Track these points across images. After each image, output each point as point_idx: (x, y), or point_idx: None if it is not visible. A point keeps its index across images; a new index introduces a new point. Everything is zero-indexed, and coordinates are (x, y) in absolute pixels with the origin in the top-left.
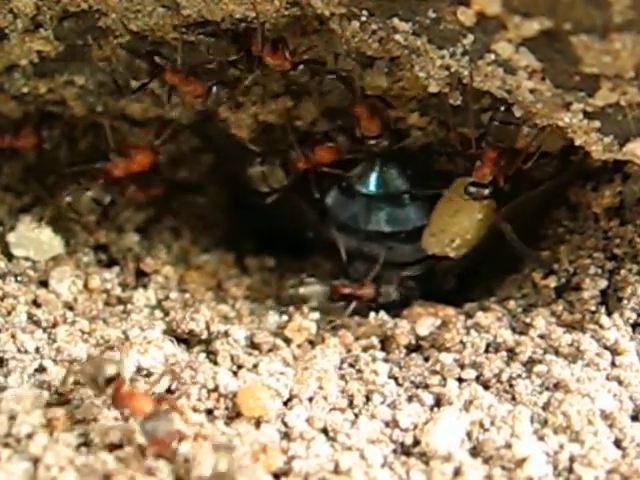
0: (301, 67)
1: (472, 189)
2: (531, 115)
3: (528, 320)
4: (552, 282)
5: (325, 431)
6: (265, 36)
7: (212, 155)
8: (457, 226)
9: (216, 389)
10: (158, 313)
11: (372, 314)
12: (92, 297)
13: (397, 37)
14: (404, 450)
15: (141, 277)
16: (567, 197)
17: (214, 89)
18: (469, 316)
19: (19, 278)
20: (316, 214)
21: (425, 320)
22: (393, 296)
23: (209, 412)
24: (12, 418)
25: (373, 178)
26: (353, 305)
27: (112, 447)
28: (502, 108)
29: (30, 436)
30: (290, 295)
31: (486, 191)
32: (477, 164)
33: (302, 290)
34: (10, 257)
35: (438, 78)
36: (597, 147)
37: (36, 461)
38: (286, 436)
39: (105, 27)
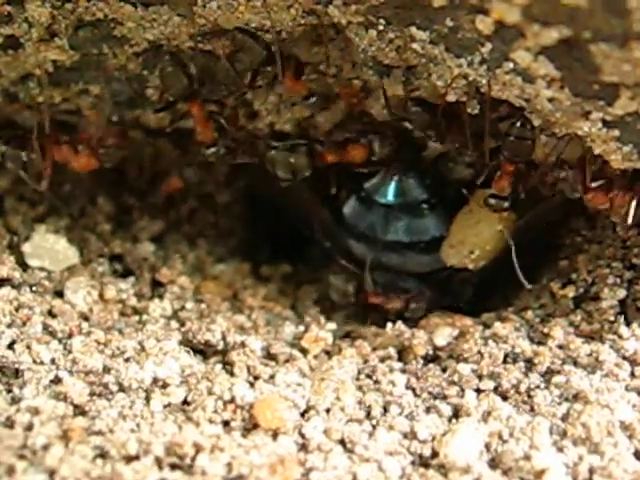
0: (313, 99)
1: (492, 201)
2: (550, 124)
3: (546, 330)
4: (570, 292)
5: (343, 442)
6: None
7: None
8: (477, 237)
9: (232, 400)
10: (174, 324)
11: (389, 324)
12: (107, 307)
13: (414, 46)
14: (422, 462)
15: (157, 287)
16: (585, 206)
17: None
18: (487, 326)
19: (34, 288)
20: (331, 217)
21: (442, 330)
22: (420, 314)
23: (225, 424)
24: (28, 429)
25: (391, 188)
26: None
27: (129, 459)
28: (518, 123)
29: (46, 448)
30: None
31: (506, 203)
32: (496, 176)
33: (332, 279)
34: (25, 267)
35: (456, 87)
36: (616, 156)
37: (52, 473)
38: (303, 448)
39: (120, 36)
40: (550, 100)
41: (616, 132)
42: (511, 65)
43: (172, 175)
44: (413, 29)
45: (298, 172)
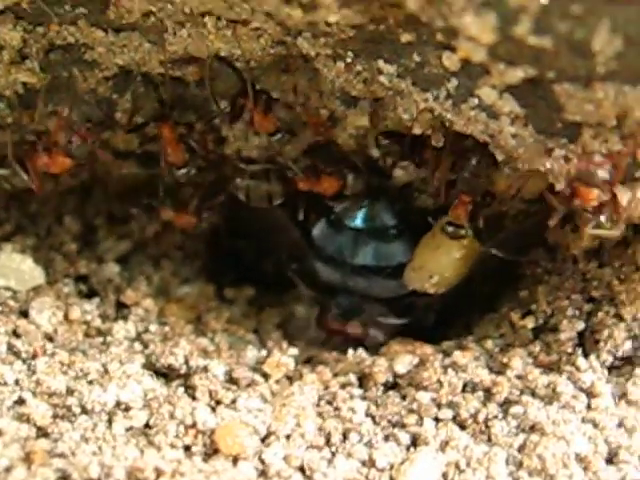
0: (279, 135)
1: (449, 228)
2: (513, 159)
3: (505, 360)
4: (530, 322)
5: (302, 469)
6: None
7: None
8: (436, 263)
9: (194, 425)
10: (137, 346)
11: (350, 351)
12: (72, 328)
13: (382, 79)
14: None
15: (121, 309)
16: (545, 238)
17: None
18: (447, 355)
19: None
20: (300, 235)
21: (403, 358)
22: (380, 339)
23: (187, 448)
24: None
25: (361, 212)
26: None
27: None
28: (473, 161)
29: (8, 470)
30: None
31: (462, 231)
32: (453, 205)
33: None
34: None
35: (421, 120)
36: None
37: None
38: (263, 474)
39: (91, 60)
40: (514, 136)
41: None
42: (476, 101)
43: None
44: (381, 62)
45: (272, 199)
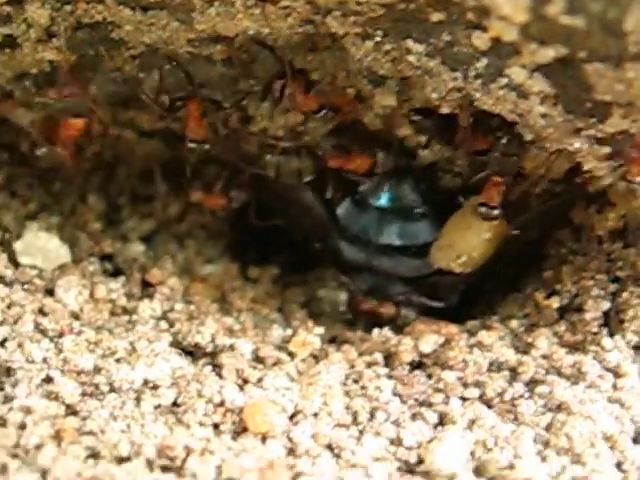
0: (323, 113)
1: (482, 209)
2: (541, 139)
3: (530, 340)
4: (555, 302)
5: (330, 447)
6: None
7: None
8: (465, 243)
9: (222, 404)
10: (164, 325)
11: (376, 330)
12: (98, 307)
13: (410, 58)
14: (408, 468)
15: (146, 287)
16: (571, 219)
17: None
18: (472, 334)
19: (26, 286)
20: (325, 214)
21: (428, 337)
22: (411, 319)
23: (215, 427)
24: (21, 429)
25: (386, 192)
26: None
27: (120, 460)
28: (503, 140)
29: (39, 447)
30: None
31: (495, 212)
32: (485, 186)
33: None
34: (17, 265)
35: (450, 100)
36: (605, 172)
37: (44, 473)
38: (291, 452)
39: (118, 39)
40: (543, 116)
41: (607, 149)
42: (506, 80)
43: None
44: (410, 42)
45: (302, 176)
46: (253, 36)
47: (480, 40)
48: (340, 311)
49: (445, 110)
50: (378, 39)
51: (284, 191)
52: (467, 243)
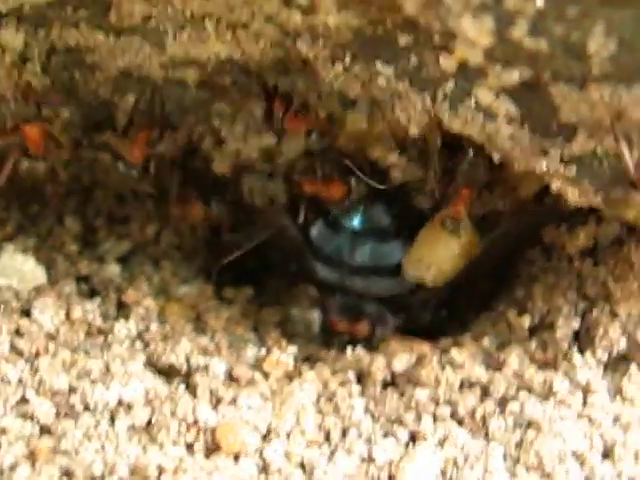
0: (314, 135)
1: (449, 224)
2: (509, 160)
3: (502, 358)
4: (526, 321)
5: (302, 466)
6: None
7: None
8: (435, 256)
9: (195, 423)
10: (139, 345)
11: (349, 349)
12: (74, 328)
13: (379, 80)
14: None
15: (122, 308)
16: (541, 237)
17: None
18: (444, 352)
19: (2, 307)
20: (299, 234)
21: (401, 356)
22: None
23: (189, 446)
24: None
25: (358, 213)
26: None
27: (94, 479)
28: (470, 153)
29: (13, 467)
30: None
31: (462, 227)
32: (452, 201)
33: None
34: None
35: (419, 121)
36: (573, 192)
37: None
38: (264, 471)
39: (92, 63)
40: (510, 137)
41: (573, 170)
42: (473, 102)
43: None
44: (379, 64)
45: (274, 199)
46: (234, 62)
47: (447, 62)
48: (314, 331)
49: (414, 131)
50: (347, 62)
51: (258, 212)
52: (437, 255)
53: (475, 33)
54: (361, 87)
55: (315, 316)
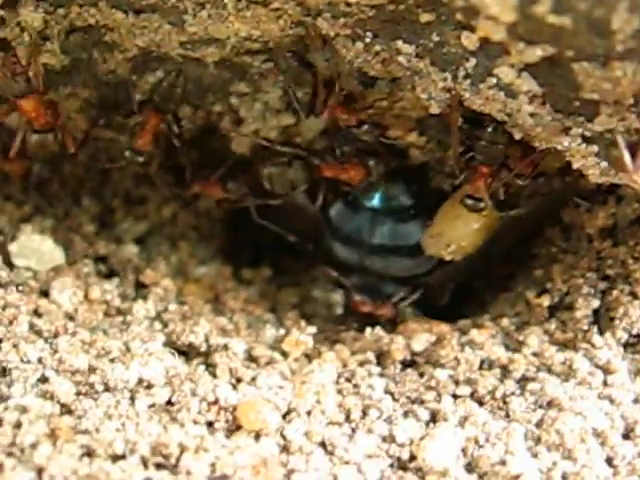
0: (365, 127)
1: (468, 201)
2: (530, 138)
3: (521, 338)
4: (545, 301)
5: (323, 445)
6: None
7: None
8: (454, 232)
9: (216, 402)
10: (157, 325)
11: (368, 329)
12: (92, 308)
13: (400, 59)
14: (401, 465)
15: (140, 288)
16: (561, 217)
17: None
18: (463, 333)
19: (20, 288)
20: (318, 215)
21: (420, 336)
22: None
23: (209, 424)
24: (16, 427)
25: (378, 193)
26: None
27: (115, 458)
28: (489, 129)
29: (34, 446)
30: (315, 299)
31: (481, 204)
32: (472, 177)
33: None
34: (12, 267)
35: (439, 100)
36: (594, 171)
37: (40, 471)
38: (285, 449)
39: (111, 42)
40: (531, 115)
41: (595, 148)
42: (494, 80)
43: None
44: (399, 43)
45: (295, 187)
46: (292, 50)
47: (469, 40)
48: (335, 313)
49: (435, 110)
50: (368, 40)
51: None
52: (456, 232)
53: (498, 9)
54: (381, 66)
55: (337, 298)
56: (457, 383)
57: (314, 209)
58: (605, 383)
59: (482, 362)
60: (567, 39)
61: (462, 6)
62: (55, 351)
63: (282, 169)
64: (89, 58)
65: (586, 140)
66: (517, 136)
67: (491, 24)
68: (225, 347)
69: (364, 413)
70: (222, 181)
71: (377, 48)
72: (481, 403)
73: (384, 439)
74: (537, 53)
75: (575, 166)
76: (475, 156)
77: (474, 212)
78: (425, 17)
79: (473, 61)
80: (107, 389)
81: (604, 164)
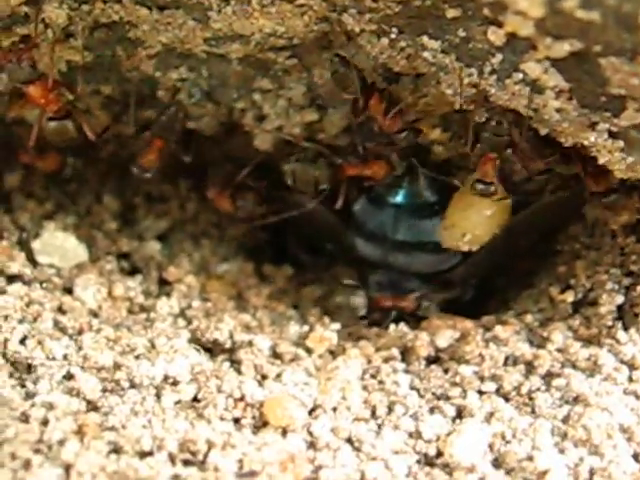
0: (405, 133)
1: (479, 186)
2: (556, 134)
3: (545, 334)
4: (569, 297)
5: (350, 441)
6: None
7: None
8: (468, 221)
9: (242, 398)
10: (181, 322)
11: (392, 326)
12: (116, 305)
13: (425, 54)
14: (428, 461)
15: (163, 285)
16: (584, 214)
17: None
18: (487, 329)
19: (44, 285)
20: (341, 224)
21: (444, 332)
22: (431, 312)
23: (236, 421)
24: (43, 424)
25: (402, 189)
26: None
27: (143, 454)
28: (492, 122)
29: (62, 443)
30: (338, 304)
31: (492, 188)
32: (480, 163)
33: (353, 300)
34: (35, 264)
35: (465, 96)
36: (620, 166)
37: (68, 468)
38: (312, 446)
39: (135, 38)
40: (558, 111)
41: (621, 143)
42: (521, 76)
43: None
44: (425, 38)
45: (318, 185)
46: (340, 55)
47: (495, 36)
48: (359, 316)
49: (459, 106)
50: (393, 36)
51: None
52: (469, 221)
53: (527, 4)
54: (406, 61)
55: (360, 301)
56: (482, 379)
57: (331, 217)
58: (630, 379)
59: (507, 358)
60: (595, 34)
61: (490, 1)
62: (80, 348)
63: (305, 166)
64: (113, 55)
65: (612, 135)
66: (543, 132)
67: (519, 19)
68: (250, 344)
69: (390, 409)
70: (233, 195)
71: (402, 44)
72: (507, 399)
73: (410, 435)
74: (565, 48)
75: (601, 162)
76: (480, 144)
77: (485, 197)
78: (451, 12)
79: (499, 57)
80: (133, 386)
81: (630, 159)
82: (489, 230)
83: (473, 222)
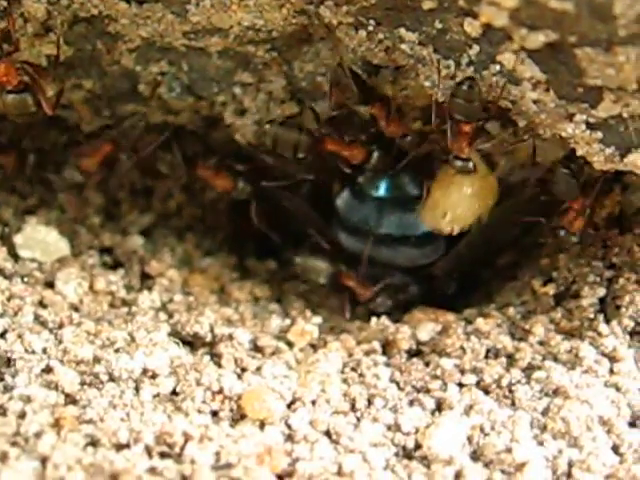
0: (409, 138)
1: (456, 162)
2: (534, 125)
3: (527, 327)
4: (551, 290)
5: (328, 434)
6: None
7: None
8: (448, 199)
9: (221, 391)
10: (162, 315)
11: (374, 319)
12: (97, 299)
13: (403, 47)
14: (406, 453)
15: (146, 279)
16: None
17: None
18: (469, 322)
19: (25, 279)
20: (320, 218)
21: (425, 325)
22: (383, 309)
23: (214, 414)
24: (20, 417)
25: (384, 182)
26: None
27: (119, 447)
28: (464, 86)
29: (38, 435)
30: (297, 265)
31: (470, 165)
32: (451, 138)
33: (311, 262)
34: (17, 258)
35: (443, 87)
36: (599, 158)
37: (44, 460)
38: (290, 438)
39: (114, 32)
40: (535, 102)
41: (599, 134)
42: (498, 67)
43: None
44: (402, 30)
45: (297, 150)
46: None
47: (472, 27)
48: (319, 281)
49: (440, 98)
50: (371, 28)
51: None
52: (450, 199)
53: None
54: (385, 54)
55: (322, 266)
56: (463, 372)
57: (311, 213)
58: (611, 371)
59: (488, 351)
60: (569, 24)
61: None
62: (60, 341)
63: (287, 129)
64: (93, 49)
65: (590, 127)
66: (521, 123)
67: (494, 10)
68: (230, 337)
69: (369, 402)
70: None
71: (380, 36)
72: (487, 392)
73: (389, 428)
74: (540, 39)
75: (579, 153)
76: (453, 115)
77: (464, 174)
78: (427, 4)
79: (476, 48)
80: (112, 379)
81: (608, 151)
82: (471, 210)
83: (454, 200)
